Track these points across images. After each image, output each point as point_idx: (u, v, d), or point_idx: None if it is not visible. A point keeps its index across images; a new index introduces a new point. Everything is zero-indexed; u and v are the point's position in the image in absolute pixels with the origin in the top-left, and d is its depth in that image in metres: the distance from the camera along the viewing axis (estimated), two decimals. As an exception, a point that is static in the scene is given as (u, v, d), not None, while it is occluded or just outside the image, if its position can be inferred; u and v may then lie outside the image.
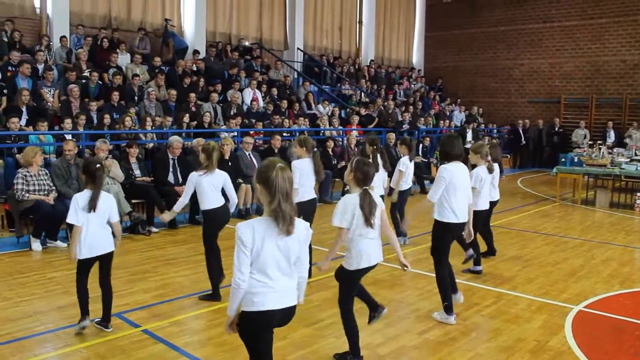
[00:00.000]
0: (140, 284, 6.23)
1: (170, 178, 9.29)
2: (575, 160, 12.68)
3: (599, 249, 8.24)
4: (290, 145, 11.14)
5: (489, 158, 6.87)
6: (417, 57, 23.66)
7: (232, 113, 12.60)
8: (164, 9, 15.02)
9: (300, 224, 3.02)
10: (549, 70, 20.24)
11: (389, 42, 22.36)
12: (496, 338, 4.91)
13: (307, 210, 6.37)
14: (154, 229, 8.77)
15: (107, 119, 10.16)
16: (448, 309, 5.21)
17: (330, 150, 12.47)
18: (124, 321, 5.12)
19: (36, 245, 7.55)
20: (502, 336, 4.96)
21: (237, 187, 8.84)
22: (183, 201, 5.76)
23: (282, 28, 18.40)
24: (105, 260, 4.87)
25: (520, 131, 19.38)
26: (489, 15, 21.47)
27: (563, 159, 13.05)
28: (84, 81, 11.53)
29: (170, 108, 11.98)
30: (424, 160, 14.60)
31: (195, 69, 14.15)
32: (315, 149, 6.43)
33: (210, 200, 5.67)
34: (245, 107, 13.65)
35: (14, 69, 10.75)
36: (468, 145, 13.19)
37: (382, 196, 7.31)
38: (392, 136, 12.63)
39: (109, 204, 4.83)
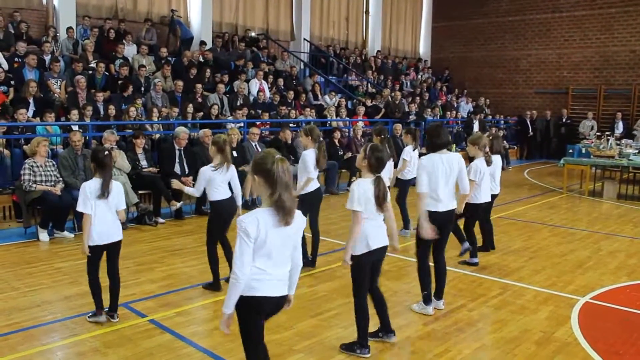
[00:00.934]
0: (147, 274, 6.26)
1: (177, 169, 9.30)
2: (583, 151, 12.60)
3: (607, 240, 8.21)
4: (297, 135, 11.13)
5: (487, 150, 6.80)
6: (424, 47, 23.54)
7: (238, 104, 12.58)
8: (170, -1, 15.01)
9: (297, 214, 3.05)
10: (557, 60, 20.08)
11: (395, 33, 22.24)
12: (502, 329, 4.91)
13: (315, 200, 6.38)
14: (161, 220, 8.80)
15: (111, 110, 10.17)
16: (426, 299, 5.20)
17: (336, 141, 12.45)
18: (131, 311, 5.14)
19: (43, 235, 7.59)
20: (508, 327, 4.95)
21: (243, 177, 8.84)
22: (194, 192, 5.81)
23: (289, 19, 18.34)
24: (113, 249, 4.89)
25: (528, 122, 19.26)
26: (496, 5, 21.31)
27: (570, 150, 12.98)
28: (90, 72, 11.54)
29: (177, 99, 11.98)
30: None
31: (202, 59, 14.12)
32: (322, 139, 6.41)
33: (220, 193, 5.67)
34: (251, 98, 13.64)
35: (20, 60, 10.78)
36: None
37: (388, 187, 7.30)
38: (398, 127, 12.60)
39: (117, 191, 4.86)
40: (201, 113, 11.71)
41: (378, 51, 20.61)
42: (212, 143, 5.75)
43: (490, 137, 7.37)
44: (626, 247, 7.85)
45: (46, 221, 7.67)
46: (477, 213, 6.79)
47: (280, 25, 18.09)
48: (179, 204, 8.69)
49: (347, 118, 14.60)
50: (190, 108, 11.31)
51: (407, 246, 7.33)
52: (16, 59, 10.81)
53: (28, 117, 9.27)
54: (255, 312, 3.05)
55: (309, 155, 6.20)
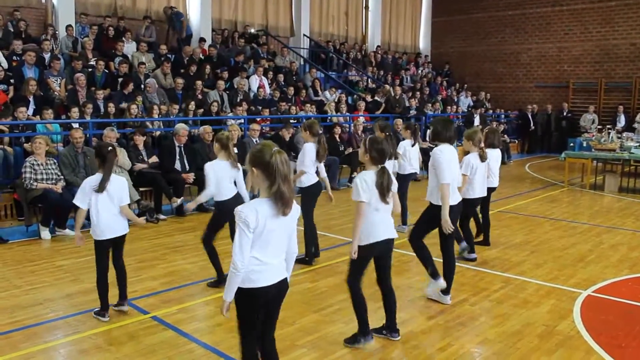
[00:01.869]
0: (148, 271, 6.26)
1: (177, 165, 9.30)
2: (584, 144, 12.58)
3: (608, 233, 8.20)
4: (298, 130, 11.13)
5: (482, 145, 6.77)
6: (424, 42, 23.48)
7: (238, 100, 12.57)
8: (169, -4, 14.98)
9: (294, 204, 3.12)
10: (557, 54, 20.04)
11: (395, 28, 22.20)
12: (504, 323, 4.91)
13: (314, 194, 6.39)
14: (162, 217, 8.80)
15: (111, 108, 10.17)
16: (434, 274, 5.21)
17: (337, 136, 12.44)
18: (133, 308, 5.14)
19: (45, 233, 7.60)
20: (511, 321, 4.95)
21: (244, 173, 8.84)
22: (208, 192, 5.61)
23: (288, 14, 18.31)
24: (118, 243, 4.96)
25: (529, 116, 19.24)
26: (496, -1, 21.28)
27: (572, 144, 12.97)
28: (90, 70, 11.53)
29: (177, 96, 11.97)
30: (431, 145, 14.53)
31: (202, 57, 14.10)
32: (321, 133, 6.41)
33: (225, 191, 5.64)
34: (251, 94, 13.62)
35: (19, 58, 10.77)
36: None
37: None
38: (399, 122, 12.58)
39: (121, 186, 4.89)
40: (201, 110, 11.70)
41: (378, 46, 20.57)
42: (215, 140, 5.73)
43: (486, 131, 7.35)
44: (628, 240, 7.84)
45: (47, 219, 7.67)
46: (472, 208, 6.75)
47: (280, 21, 18.06)
48: (179, 201, 8.69)
49: (348, 113, 14.58)
50: (192, 105, 11.31)
51: (405, 242, 7.32)
52: (15, 58, 10.80)
53: (28, 115, 9.27)
54: (253, 303, 3.13)
55: (308, 148, 6.24)
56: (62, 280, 5.94)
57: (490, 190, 7.23)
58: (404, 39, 22.71)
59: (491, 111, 19.48)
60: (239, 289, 3.08)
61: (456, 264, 6.46)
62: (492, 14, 21.45)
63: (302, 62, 17.56)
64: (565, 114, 19.02)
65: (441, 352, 4.34)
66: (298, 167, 6.32)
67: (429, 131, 14.70)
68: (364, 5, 20.88)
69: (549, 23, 20.11)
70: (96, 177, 4.76)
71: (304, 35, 18.25)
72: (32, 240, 7.55)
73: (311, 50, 18.38)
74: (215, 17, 16.03)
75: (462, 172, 6.28)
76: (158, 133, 10.51)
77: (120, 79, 11.57)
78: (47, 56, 11.34)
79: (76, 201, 4.75)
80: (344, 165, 12.22)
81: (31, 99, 9.82)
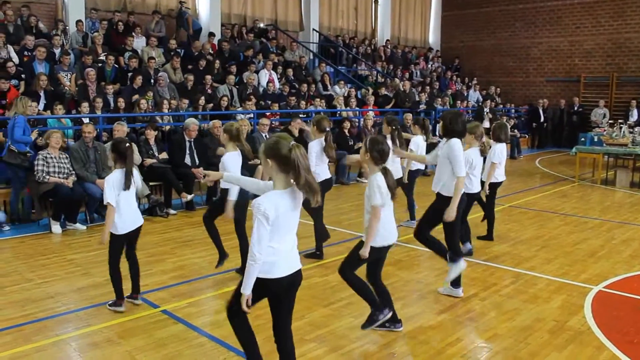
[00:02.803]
0: (158, 265, 6.29)
1: (187, 160, 9.32)
2: (595, 139, 12.49)
3: (619, 229, 8.14)
4: (308, 125, 11.12)
5: (484, 140, 6.71)
6: (433, 36, 23.37)
7: (247, 95, 12.57)
8: (179, -10, 14.98)
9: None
10: (569, 48, 19.88)
11: (405, 22, 22.11)
12: (515, 318, 4.89)
13: (325, 190, 6.40)
14: (172, 211, 8.84)
15: (120, 103, 10.21)
16: (454, 258, 5.19)
17: (346, 131, 12.42)
18: (143, 302, 5.17)
19: (56, 227, 7.65)
20: (521, 316, 4.93)
21: (254, 168, 8.86)
22: (234, 191, 5.41)
23: (297, 9, 18.27)
24: (135, 235, 5.01)
25: (540, 111, 19.11)
26: (506, -7, 21.13)
27: (583, 139, 12.87)
28: (100, 65, 11.57)
29: (187, 90, 11.98)
30: (441, 140, 14.45)
31: (211, 52, 14.11)
32: (328, 129, 6.38)
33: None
34: (261, 89, 13.62)
35: (30, 53, 10.82)
36: (486, 125, 13.08)
37: (399, 178, 7.29)
38: (409, 117, 12.54)
39: (137, 179, 4.98)
40: (211, 104, 11.72)
41: (387, 40, 20.49)
42: (223, 131, 5.70)
43: (494, 125, 7.29)
44: (639, 235, 7.78)
45: (58, 213, 7.72)
46: (471, 203, 6.66)
47: (289, 16, 18.03)
48: (190, 196, 8.73)
49: (357, 108, 14.54)
50: (202, 100, 11.33)
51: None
52: (26, 53, 10.86)
53: (39, 110, 9.32)
54: (260, 292, 3.18)
55: (312, 147, 6.27)
56: (73, 274, 5.97)
57: (497, 185, 7.19)
58: (414, 33, 22.61)
59: (501, 106, 19.37)
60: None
61: (467, 259, 6.48)
62: (503, 8, 21.29)
63: (311, 57, 17.52)
64: (576, 108, 18.88)
65: (451, 347, 4.33)
66: None
67: (438, 125, 14.65)
68: None
69: (560, 17, 19.94)
70: (118, 174, 4.77)
71: (313, 29, 18.21)
72: (43, 234, 7.60)
73: (320, 44, 18.33)
74: (224, 11, 16.03)
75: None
76: (168, 128, 10.54)
77: (129, 74, 11.60)
78: (57, 51, 11.39)
79: (109, 200, 4.67)
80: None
81: (42, 94, 9.88)
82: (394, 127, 7.06)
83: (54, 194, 7.62)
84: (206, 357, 4.14)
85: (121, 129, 8.58)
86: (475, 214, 7.67)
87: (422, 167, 8.13)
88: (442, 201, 5.21)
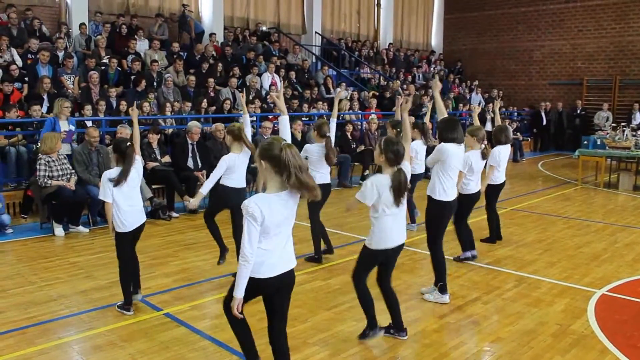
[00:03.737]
0: (161, 268, 6.29)
1: (190, 163, 9.33)
2: (598, 142, 12.47)
3: (622, 232, 8.12)
4: (310, 129, 11.13)
5: (486, 142, 6.69)
6: (436, 39, 23.38)
7: (250, 98, 12.59)
8: (182, -6, 15.02)
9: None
10: (571, 51, 19.85)
11: (407, 25, 22.11)
12: (518, 322, 4.88)
13: (323, 194, 6.37)
14: (174, 214, 8.84)
15: (122, 106, 10.22)
16: (442, 289, 5.28)
17: (349, 134, 12.42)
18: (146, 305, 5.17)
19: (59, 230, 7.66)
20: (524, 320, 4.92)
21: (256, 170, 8.84)
22: (208, 184, 5.61)
23: (300, 12, 18.29)
24: (138, 232, 5.05)
25: (542, 114, 19.10)
26: (509, -4, 21.12)
27: (585, 142, 12.86)
28: (103, 68, 11.60)
29: (189, 93, 12.01)
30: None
31: (214, 54, 14.13)
32: (328, 135, 6.36)
33: (233, 180, 5.68)
34: (263, 92, 13.63)
35: (33, 56, 10.85)
36: (489, 127, 13.07)
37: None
38: (411, 120, 12.51)
39: (137, 177, 5.01)
40: (214, 107, 11.73)
41: (390, 44, 20.50)
42: (227, 132, 5.74)
43: (495, 128, 7.29)
44: (643, 239, 7.77)
45: (61, 216, 7.72)
46: (468, 205, 6.64)
47: (292, 19, 18.05)
48: (192, 205, 8.69)
49: (360, 111, 14.55)
50: (205, 103, 11.34)
51: (418, 240, 7.33)
52: (29, 56, 10.89)
53: (42, 112, 9.34)
54: (252, 292, 3.22)
55: (309, 151, 6.32)
56: (75, 276, 5.98)
57: (496, 187, 7.18)
58: (416, 36, 22.62)
59: (504, 109, 19.35)
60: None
61: (470, 262, 6.49)
62: (505, 11, 21.29)
63: (314, 60, 17.54)
64: (578, 111, 18.85)
65: (454, 350, 4.33)
66: None
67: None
68: (375, 3, 20.80)
69: (562, 20, 19.93)
70: (114, 171, 4.85)
71: (316, 32, 18.23)
72: (45, 236, 7.61)
73: (323, 47, 18.35)
74: (227, 14, 16.06)
75: (460, 169, 6.23)
76: (171, 131, 10.55)
77: (133, 77, 11.62)
78: (60, 54, 11.42)
79: (100, 196, 4.87)
80: (355, 163, 12.19)
81: (45, 96, 9.90)
82: (399, 130, 7.03)
83: (56, 196, 7.62)
84: (209, 361, 4.14)
85: (124, 132, 8.58)
86: (477, 218, 7.67)
87: (423, 171, 8.13)
88: (431, 204, 5.30)
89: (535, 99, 20.45)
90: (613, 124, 14.27)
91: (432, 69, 20.76)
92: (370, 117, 13.50)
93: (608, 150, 11.96)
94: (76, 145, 8.83)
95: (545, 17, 20.31)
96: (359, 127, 13.52)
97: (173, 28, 14.68)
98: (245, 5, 16.73)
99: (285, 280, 3.28)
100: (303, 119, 12.44)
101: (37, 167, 7.66)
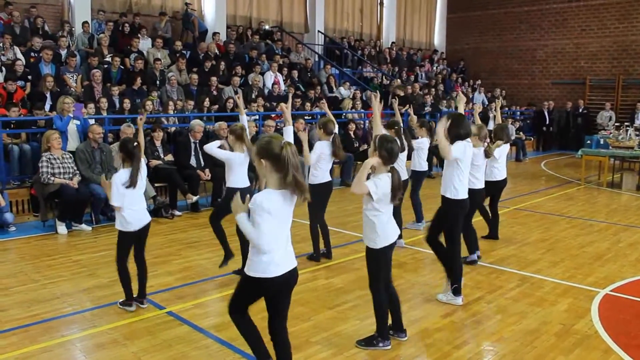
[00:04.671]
0: (164, 266, 6.29)
1: (193, 162, 9.33)
2: (601, 142, 12.44)
3: (626, 232, 8.11)
4: (313, 127, 11.12)
5: (488, 141, 6.68)
6: (438, 39, 23.35)
7: (253, 96, 12.57)
8: (184, -8, 15.01)
9: None
10: (574, 51, 19.81)
11: (410, 24, 22.09)
12: (521, 321, 4.87)
13: (323, 193, 6.37)
14: (177, 213, 8.84)
15: (126, 104, 10.22)
16: (456, 291, 5.22)
17: (352, 133, 12.41)
18: (149, 303, 5.17)
19: (61, 228, 7.66)
20: (527, 319, 4.91)
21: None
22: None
23: (303, 11, 18.28)
24: (144, 233, 5.03)
25: (545, 113, 19.06)
26: (512, -5, 21.07)
27: (588, 141, 12.83)
28: (105, 66, 11.60)
29: (192, 92, 12.01)
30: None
31: (217, 52, 14.12)
32: (335, 132, 6.36)
33: (238, 179, 5.69)
34: (266, 91, 13.62)
35: (36, 55, 10.86)
36: (491, 126, 13.01)
37: (405, 180, 7.28)
38: (414, 118, 12.48)
39: (144, 177, 5.03)
40: (216, 106, 11.73)
41: (393, 43, 20.48)
42: (229, 132, 5.77)
43: (497, 127, 7.28)
44: (646, 238, 7.75)
45: (64, 214, 7.73)
46: (473, 203, 6.59)
47: (294, 18, 18.04)
48: (195, 198, 8.74)
49: (363, 110, 14.53)
50: (207, 102, 11.34)
51: (421, 239, 7.33)
52: (32, 54, 10.90)
53: (45, 111, 9.35)
54: (258, 292, 3.30)
55: (316, 147, 6.27)
56: (78, 274, 5.98)
57: (500, 184, 7.18)
58: (419, 35, 22.59)
59: (506, 108, 19.31)
60: (248, 277, 3.21)
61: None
62: (508, 10, 21.25)
63: (316, 59, 17.52)
64: (581, 111, 18.81)
65: (457, 350, 4.32)
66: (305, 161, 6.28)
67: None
68: (378, 1, 20.78)
69: (565, 19, 19.88)
70: (124, 173, 4.81)
71: (319, 31, 18.21)
72: (48, 234, 7.62)
73: (326, 46, 18.34)
74: (230, 13, 16.05)
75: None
76: (173, 129, 10.55)
77: (136, 76, 11.61)
78: (63, 53, 11.43)
79: (114, 202, 4.79)
80: (358, 162, 12.18)
81: (48, 95, 9.90)
82: (396, 127, 7.03)
83: (59, 194, 7.63)
84: (212, 359, 4.13)
85: (129, 131, 8.59)
86: (478, 217, 7.66)
87: (427, 168, 8.14)
88: (446, 204, 5.21)
89: (538, 98, 20.40)
90: (616, 124, 14.24)
91: (434, 68, 20.73)
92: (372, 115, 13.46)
93: (611, 150, 11.94)
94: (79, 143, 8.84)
95: (548, 16, 20.26)
96: (362, 126, 13.50)
97: (176, 26, 14.68)
98: (247, 4, 16.71)
99: (290, 279, 3.29)
100: (306, 117, 12.42)
101: (40, 164, 7.68)
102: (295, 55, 16.56)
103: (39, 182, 7.74)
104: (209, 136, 10.13)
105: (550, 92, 20.43)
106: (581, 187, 11.95)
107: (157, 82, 11.88)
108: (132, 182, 4.77)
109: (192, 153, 9.37)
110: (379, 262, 4.21)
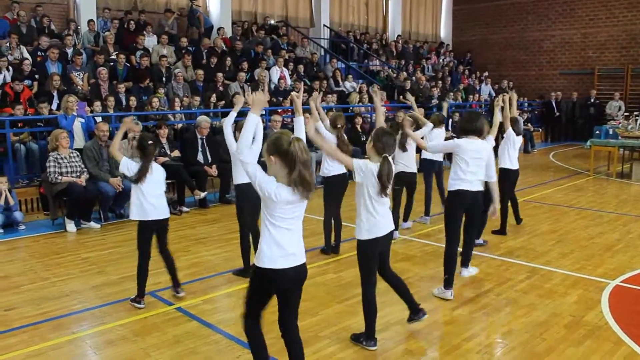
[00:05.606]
0: (172, 262, 6.30)
1: (200, 158, 9.34)
2: (610, 132, 12.35)
3: (636, 223, 8.04)
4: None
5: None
6: (445, 31, 23.23)
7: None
8: (189, -12, 15.00)
9: None
10: (582, 40, 19.65)
11: (416, 17, 21.98)
12: (530, 313, 4.84)
13: (337, 186, 6.36)
14: (185, 209, 8.86)
15: (132, 101, 10.24)
16: (447, 283, 5.20)
17: (358, 126, 12.37)
18: (157, 299, 5.19)
19: (70, 226, 7.70)
20: (537, 311, 4.88)
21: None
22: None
23: (308, 5, 18.23)
24: (162, 228, 5.07)
25: (553, 104, 18.94)
26: (518, -15, 20.92)
27: (597, 132, 12.73)
28: (112, 64, 11.62)
29: (198, 88, 12.02)
30: (454, 135, 14.36)
31: (224, 47, 14.11)
32: (340, 127, 6.33)
33: (245, 175, 5.66)
34: (272, 86, 13.61)
35: (43, 54, 10.90)
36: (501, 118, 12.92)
37: (414, 173, 7.27)
38: (421, 111, 12.44)
39: (162, 174, 5.12)
40: (223, 102, 11.73)
41: (399, 36, 20.39)
42: (236, 128, 5.77)
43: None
44: (657, 228, 7.69)
45: (72, 212, 7.77)
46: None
47: (300, 12, 18.00)
48: (203, 194, 8.74)
49: (370, 104, 14.49)
50: (214, 97, 11.34)
51: (430, 231, 7.32)
52: (39, 53, 10.94)
53: (52, 109, 9.38)
54: (269, 284, 3.23)
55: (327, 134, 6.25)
56: (87, 272, 6.01)
57: (513, 174, 7.21)
58: (425, 27, 22.48)
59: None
60: (257, 268, 3.19)
61: (482, 254, 6.45)
62: (514, 1, 21.10)
63: (322, 53, 17.48)
64: (592, 100, 18.63)
65: (466, 342, 4.30)
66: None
67: (450, 120, 14.54)
68: (384, -5, 20.71)
69: (573, 9, 19.72)
70: (135, 165, 4.92)
71: (324, 25, 18.16)
72: (57, 233, 7.65)
73: (331, 40, 18.29)
74: (235, 9, 16.04)
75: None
76: (180, 126, 10.56)
77: (143, 73, 11.63)
78: (69, 51, 11.46)
79: (122, 169, 4.98)
80: (365, 156, 12.14)
81: (55, 93, 9.94)
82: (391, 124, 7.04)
83: (67, 193, 7.66)
84: (221, 355, 4.14)
85: (137, 129, 8.60)
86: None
87: (437, 158, 8.12)
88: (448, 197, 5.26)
89: (546, 89, 20.27)
90: (625, 114, 14.12)
91: (441, 60, 20.63)
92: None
93: (620, 140, 11.85)
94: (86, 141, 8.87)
95: (555, 7, 20.10)
96: (369, 119, 13.47)
97: (182, 23, 14.68)
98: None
99: (300, 273, 3.27)
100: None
101: (47, 164, 7.72)
102: (301, 50, 16.53)
103: (46, 181, 7.78)
104: (215, 132, 10.14)
105: (558, 83, 20.29)
106: (590, 178, 11.87)
107: (164, 79, 11.88)
108: (139, 178, 4.83)
109: (199, 149, 9.37)
110: (365, 256, 4.17)
